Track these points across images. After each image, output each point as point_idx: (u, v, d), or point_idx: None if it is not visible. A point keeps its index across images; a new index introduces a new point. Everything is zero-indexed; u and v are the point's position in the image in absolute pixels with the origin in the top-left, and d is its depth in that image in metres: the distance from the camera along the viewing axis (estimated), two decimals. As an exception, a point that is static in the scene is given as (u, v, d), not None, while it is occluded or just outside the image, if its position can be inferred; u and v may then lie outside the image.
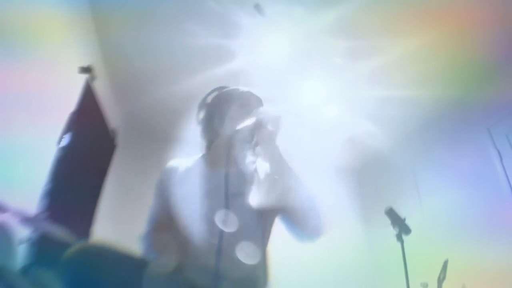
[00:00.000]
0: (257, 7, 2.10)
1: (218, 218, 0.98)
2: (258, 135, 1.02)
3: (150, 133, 3.25)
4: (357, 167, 3.84)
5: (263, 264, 1.03)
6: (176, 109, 3.00)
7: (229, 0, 2.09)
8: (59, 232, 1.43)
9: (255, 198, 1.03)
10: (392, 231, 1.96)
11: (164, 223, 1.06)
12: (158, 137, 3.23)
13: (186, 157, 1.17)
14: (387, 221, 2.00)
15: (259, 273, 1.02)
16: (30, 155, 1.66)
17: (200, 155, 1.17)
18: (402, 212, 2.01)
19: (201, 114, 1.18)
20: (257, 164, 1.12)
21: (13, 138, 1.50)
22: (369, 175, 3.73)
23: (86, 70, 2.21)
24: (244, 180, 1.07)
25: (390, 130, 3.15)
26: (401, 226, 1.93)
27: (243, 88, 1.20)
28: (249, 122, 1.03)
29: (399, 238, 1.92)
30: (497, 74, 2.43)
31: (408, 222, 1.96)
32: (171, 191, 1.06)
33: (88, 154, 2.37)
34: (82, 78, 2.21)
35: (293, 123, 2.97)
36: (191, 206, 1.02)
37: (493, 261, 2.09)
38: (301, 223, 0.95)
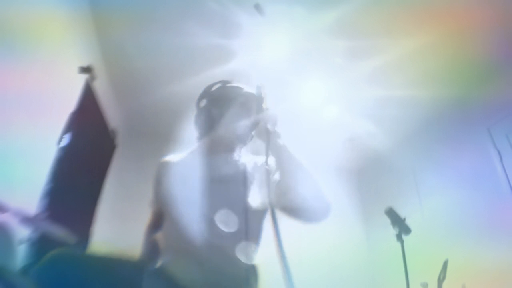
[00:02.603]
0: (257, 7, 2.10)
1: (217, 217, 0.99)
2: (256, 132, 1.05)
3: (150, 133, 3.25)
4: (357, 167, 3.84)
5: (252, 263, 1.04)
6: (176, 109, 2.99)
7: (229, 0, 2.09)
8: (59, 232, 1.43)
9: (256, 198, 1.03)
10: (392, 231, 1.96)
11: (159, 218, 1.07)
12: (158, 137, 3.22)
13: (180, 152, 1.15)
14: (387, 221, 1.99)
15: (252, 271, 1.03)
16: (30, 155, 1.66)
17: (193, 148, 1.15)
18: (402, 212, 2.01)
19: (201, 104, 1.19)
20: (256, 162, 1.13)
21: (13, 138, 1.50)
22: (369, 175, 3.73)
23: (86, 70, 2.21)
24: (241, 175, 1.08)
25: (390, 130, 3.15)
26: (401, 226, 1.93)
27: (246, 87, 1.20)
28: (247, 120, 1.06)
29: (399, 238, 1.91)
30: (497, 74, 2.43)
31: (408, 222, 1.96)
32: (167, 186, 1.05)
33: (88, 154, 2.37)
34: (82, 78, 2.21)
35: (293, 123, 2.97)
36: (188, 203, 1.02)
37: (493, 261, 2.09)
38: (306, 211, 0.99)
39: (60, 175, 1.88)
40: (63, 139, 1.94)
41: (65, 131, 1.96)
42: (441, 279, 2.05)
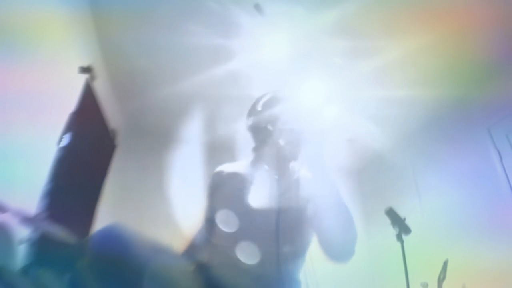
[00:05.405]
0: (257, 7, 2.10)
1: (268, 221, 1.01)
2: (305, 152, 1.09)
3: (150, 133, 3.25)
4: (357, 167, 3.84)
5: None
6: (176, 109, 3.00)
7: (229, 0, 2.09)
8: (59, 232, 1.43)
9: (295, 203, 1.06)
10: (392, 231, 1.96)
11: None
12: (158, 137, 3.23)
13: (234, 162, 1.22)
14: (387, 221, 2.00)
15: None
16: (30, 155, 1.66)
17: (248, 159, 1.20)
18: (402, 212, 2.01)
19: (251, 119, 1.21)
20: (300, 172, 1.15)
21: (13, 138, 1.50)
22: (369, 175, 3.73)
23: (86, 70, 2.21)
24: (291, 187, 1.11)
25: (390, 130, 3.14)
26: (401, 226, 1.93)
27: (289, 97, 1.25)
28: (294, 138, 1.10)
29: (399, 238, 1.92)
30: (497, 74, 2.43)
31: (408, 222, 1.96)
32: (220, 195, 1.10)
33: (88, 154, 2.36)
34: (82, 78, 2.21)
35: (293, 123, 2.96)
36: (240, 210, 1.05)
37: (493, 261, 2.09)
38: (333, 243, 1.03)
39: (60, 175, 1.87)
40: (63, 139, 1.94)
41: (65, 131, 1.96)
42: (441, 279, 2.05)
